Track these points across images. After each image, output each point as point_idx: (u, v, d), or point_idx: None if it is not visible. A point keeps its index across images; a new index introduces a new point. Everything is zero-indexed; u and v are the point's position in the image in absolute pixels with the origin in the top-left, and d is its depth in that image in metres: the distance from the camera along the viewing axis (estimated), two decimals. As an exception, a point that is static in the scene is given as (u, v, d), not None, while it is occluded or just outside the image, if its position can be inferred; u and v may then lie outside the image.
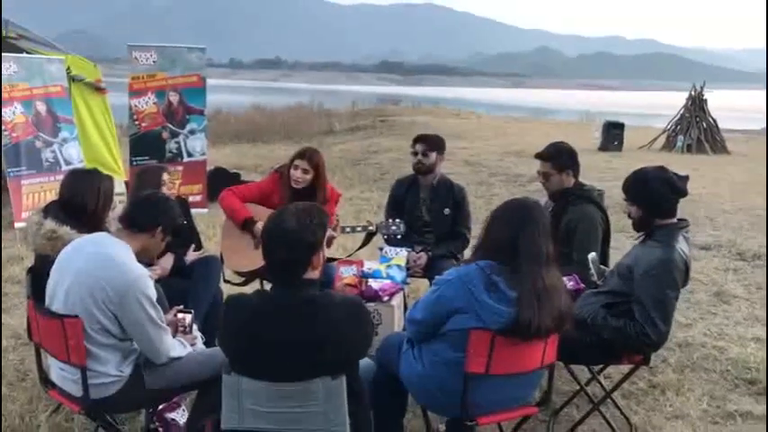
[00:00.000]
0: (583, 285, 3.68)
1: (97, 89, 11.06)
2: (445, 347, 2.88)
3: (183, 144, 9.59)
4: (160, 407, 3.47)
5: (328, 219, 2.76)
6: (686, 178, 3.52)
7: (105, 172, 9.69)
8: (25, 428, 3.59)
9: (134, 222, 3.04)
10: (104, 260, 2.87)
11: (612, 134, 14.96)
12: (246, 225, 4.64)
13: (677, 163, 12.48)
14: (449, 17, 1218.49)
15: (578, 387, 3.86)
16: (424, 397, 3.04)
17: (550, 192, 4.40)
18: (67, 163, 9.18)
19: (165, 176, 4.41)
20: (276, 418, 2.54)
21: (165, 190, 4.32)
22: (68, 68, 10.78)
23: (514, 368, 2.87)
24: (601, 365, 3.91)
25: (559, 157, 4.31)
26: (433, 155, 4.86)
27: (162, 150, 9.48)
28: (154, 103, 9.42)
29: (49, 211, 3.60)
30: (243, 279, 4.85)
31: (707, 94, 17.51)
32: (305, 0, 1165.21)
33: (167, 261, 4.32)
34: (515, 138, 17.35)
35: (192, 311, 3.43)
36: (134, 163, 9.44)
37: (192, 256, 4.47)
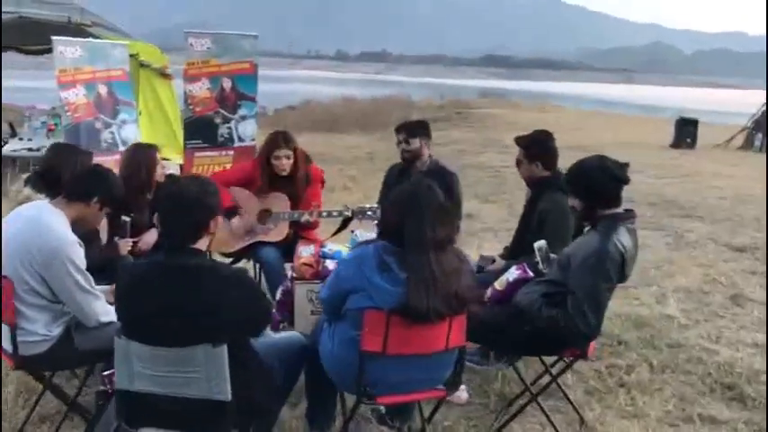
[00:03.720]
0: (531, 274, 3.61)
1: (163, 75, 11.60)
2: (347, 326, 2.92)
3: (234, 129, 9.84)
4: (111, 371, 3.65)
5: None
6: (626, 165, 3.42)
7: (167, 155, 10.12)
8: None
9: (70, 191, 3.21)
10: (37, 226, 3.06)
11: (685, 131, 14.32)
12: (228, 214, 4.76)
13: (748, 162, 11.86)
14: (559, 10, 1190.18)
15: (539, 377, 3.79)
16: (334, 375, 3.08)
17: (523, 178, 4.36)
18: (124, 144, 9.60)
19: (158, 155, 4.58)
20: (163, 382, 2.65)
21: (158, 168, 4.51)
22: (137, 54, 11.35)
23: (414, 349, 2.88)
24: (556, 358, 3.82)
25: (530, 147, 4.25)
26: (416, 141, 4.84)
27: (214, 135, 9.76)
28: (207, 89, 9.69)
29: (29, 180, 3.85)
30: (230, 259, 5.00)
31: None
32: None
33: (151, 236, 4.50)
34: (583, 133, 16.83)
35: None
36: (188, 146, 9.81)
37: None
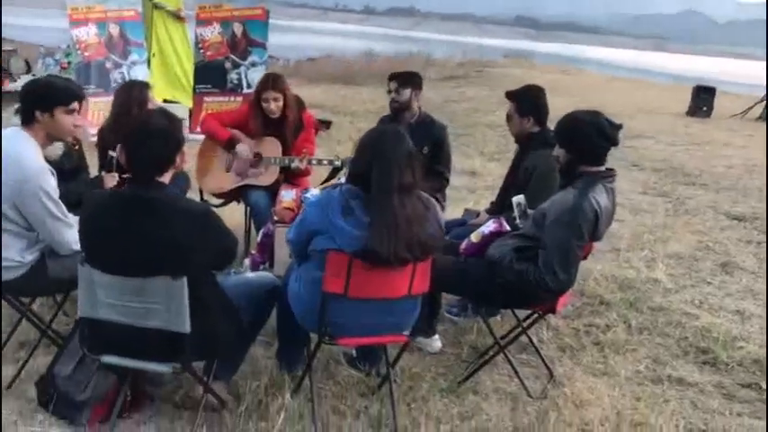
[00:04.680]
0: (507, 228, 3.60)
1: (177, 17, 11.51)
2: (313, 267, 2.95)
3: (243, 75, 9.85)
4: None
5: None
6: (619, 126, 3.36)
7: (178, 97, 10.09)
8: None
9: (23, 116, 3.21)
10: (8, 155, 3.09)
11: (702, 99, 13.99)
12: (229, 144, 4.79)
13: (762, 132, 11.66)
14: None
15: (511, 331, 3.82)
16: (299, 315, 3.11)
17: (512, 134, 4.33)
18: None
19: (150, 93, 4.59)
20: (123, 311, 2.70)
21: (150, 106, 4.52)
22: (153, -5, 11.26)
23: (377, 293, 2.91)
24: (529, 312, 3.83)
25: (522, 101, 4.21)
26: (407, 91, 4.79)
27: (224, 80, 9.79)
28: (219, 33, 9.71)
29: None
30: (221, 201, 5.04)
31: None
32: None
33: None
34: (600, 96, 16.49)
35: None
36: (197, 91, 9.84)
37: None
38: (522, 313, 3.83)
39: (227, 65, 9.77)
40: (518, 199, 3.67)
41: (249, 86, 9.89)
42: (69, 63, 10.86)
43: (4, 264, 3.15)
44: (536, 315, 3.62)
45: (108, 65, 9.44)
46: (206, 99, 9.79)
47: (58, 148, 3.87)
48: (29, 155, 3.11)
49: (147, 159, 2.66)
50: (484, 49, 41.19)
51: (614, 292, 4.82)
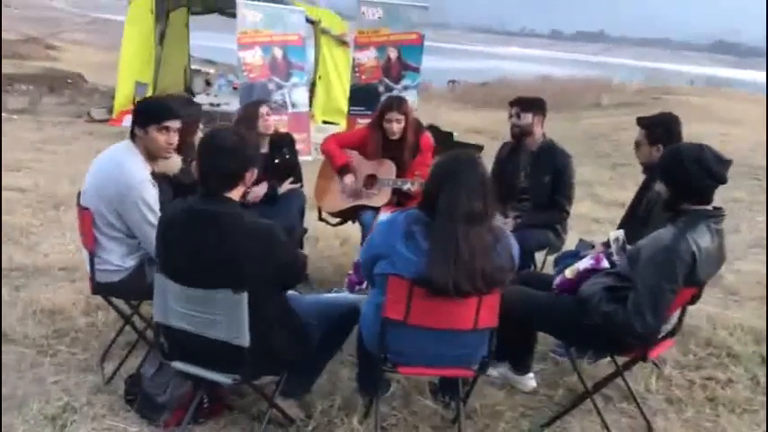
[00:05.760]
0: (604, 265, 3.35)
1: (342, 42, 12.01)
2: (378, 291, 2.91)
3: (396, 99, 10.00)
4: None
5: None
6: (728, 162, 3.04)
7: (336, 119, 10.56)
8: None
9: (130, 132, 3.45)
10: (115, 164, 3.35)
11: None
12: (342, 171, 4.90)
13: None
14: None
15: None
16: (366, 340, 3.06)
17: (640, 163, 4.22)
18: (294, 105, 10.16)
19: (263, 110, 4.78)
20: (191, 320, 2.81)
21: (260, 122, 4.72)
22: (319, 20, 11.84)
23: (439, 323, 2.82)
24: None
25: (653, 129, 4.02)
26: (529, 116, 4.64)
27: (376, 103, 9.93)
28: (375, 57, 9.96)
29: None
30: (338, 220, 5.15)
31: None
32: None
33: (261, 188, 4.74)
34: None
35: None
36: (351, 112, 10.13)
37: (285, 187, 4.85)
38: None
39: (381, 88, 9.97)
40: (616, 234, 3.41)
41: (401, 109, 10.05)
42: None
43: (106, 267, 3.40)
44: (628, 360, 3.32)
45: (270, 86, 9.95)
46: (359, 121, 10.04)
47: (175, 164, 4.11)
48: (131, 166, 3.34)
49: (215, 175, 2.76)
50: (674, 76, 39.18)
51: (747, 345, 4.34)
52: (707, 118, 14.90)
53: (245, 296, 2.68)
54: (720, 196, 3.14)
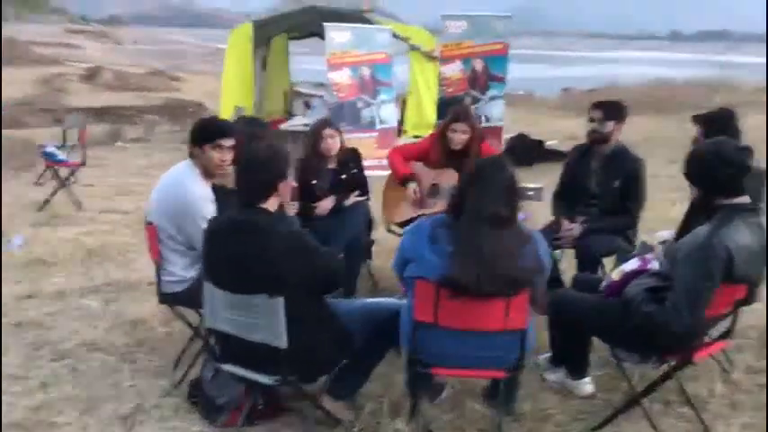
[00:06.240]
0: (651, 266, 3.30)
1: (430, 57, 12.14)
2: (410, 294, 3.00)
3: (481, 109, 10.04)
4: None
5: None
6: (746, 148, 2.97)
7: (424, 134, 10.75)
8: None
9: (188, 150, 3.71)
10: (176, 182, 3.61)
11: None
12: (404, 181, 5.02)
13: None
14: None
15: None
16: (403, 343, 3.15)
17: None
18: (382, 122, 10.36)
19: (326, 132, 4.96)
20: (234, 324, 3.01)
21: (321, 144, 4.90)
22: (409, 38, 12.04)
23: (468, 324, 2.88)
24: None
25: (711, 125, 4.00)
26: (611, 123, 4.51)
27: (463, 116, 10.04)
28: (460, 70, 10.03)
29: None
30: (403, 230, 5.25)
31: None
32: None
33: (328, 202, 4.93)
34: None
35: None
36: (438, 125, 10.20)
37: (351, 200, 5.01)
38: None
39: (467, 100, 10.02)
40: (663, 234, 3.35)
41: (488, 120, 10.06)
42: (334, 104, 12.01)
43: (170, 278, 3.66)
44: (676, 363, 3.23)
45: (359, 104, 10.21)
46: (446, 133, 10.12)
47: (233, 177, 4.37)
48: (190, 184, 3.60)
49: (249, 186, 2.95)
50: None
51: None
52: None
53: (280, 300, 2.84)
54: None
